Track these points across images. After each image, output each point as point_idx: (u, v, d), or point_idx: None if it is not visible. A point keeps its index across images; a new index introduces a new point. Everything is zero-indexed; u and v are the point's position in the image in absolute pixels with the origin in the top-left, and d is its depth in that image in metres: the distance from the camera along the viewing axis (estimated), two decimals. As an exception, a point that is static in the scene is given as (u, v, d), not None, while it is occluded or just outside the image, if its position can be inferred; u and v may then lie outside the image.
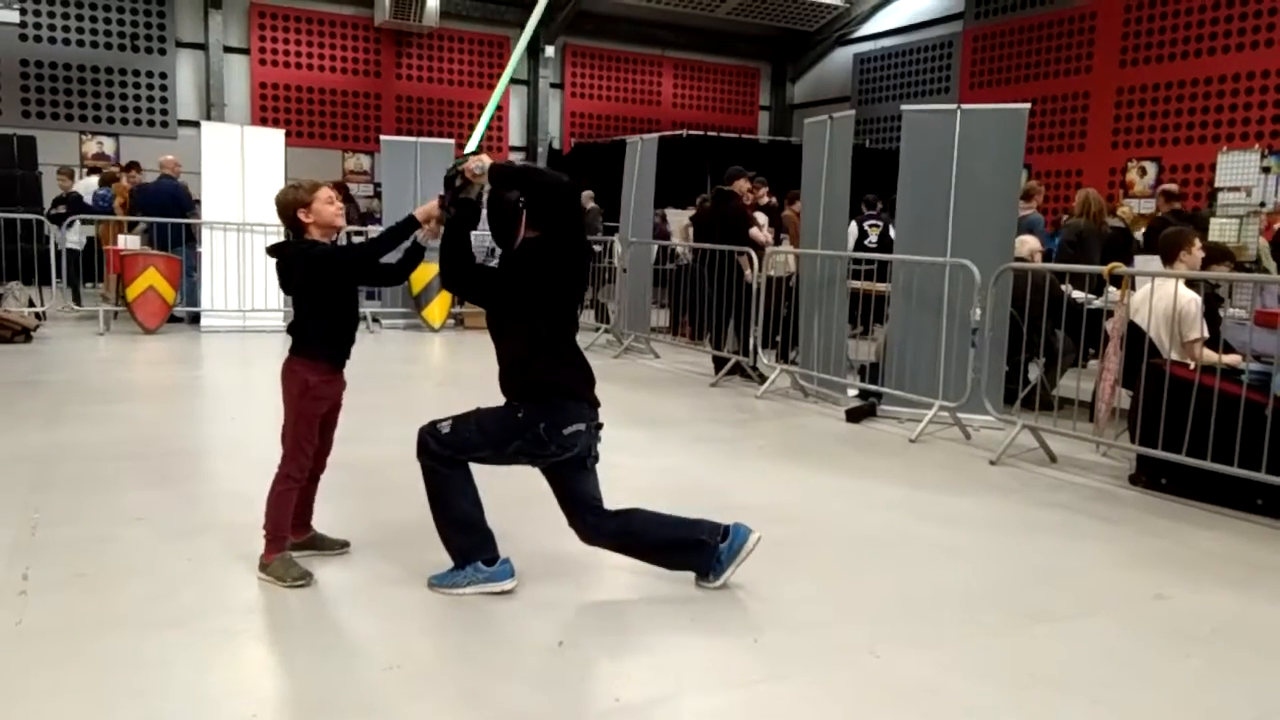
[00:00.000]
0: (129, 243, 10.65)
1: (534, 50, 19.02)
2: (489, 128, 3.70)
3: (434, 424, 3.36)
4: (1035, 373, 6.87)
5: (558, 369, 3.31)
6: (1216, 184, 10.12)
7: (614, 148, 12.36)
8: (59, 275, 10.41)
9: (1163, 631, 3.34)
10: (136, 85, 16.23)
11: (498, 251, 3.36)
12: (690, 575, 3.52)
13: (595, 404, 3.39)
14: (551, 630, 3.13)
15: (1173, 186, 8.62)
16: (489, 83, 18.78)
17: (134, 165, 12.67)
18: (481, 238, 3.35)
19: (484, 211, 3.32)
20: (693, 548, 3.46)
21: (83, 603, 3.21)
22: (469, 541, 3.38)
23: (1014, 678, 2.92)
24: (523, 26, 18.81)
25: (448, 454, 3.32)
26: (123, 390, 7.15)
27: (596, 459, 3.44)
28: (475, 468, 3.38)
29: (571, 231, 3.33)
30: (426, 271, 10.75)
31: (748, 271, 8.12)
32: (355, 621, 3.17)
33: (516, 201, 3.28)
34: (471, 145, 3.55)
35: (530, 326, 3.31)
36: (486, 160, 3.34)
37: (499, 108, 18.90)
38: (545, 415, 3.25)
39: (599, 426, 3.40)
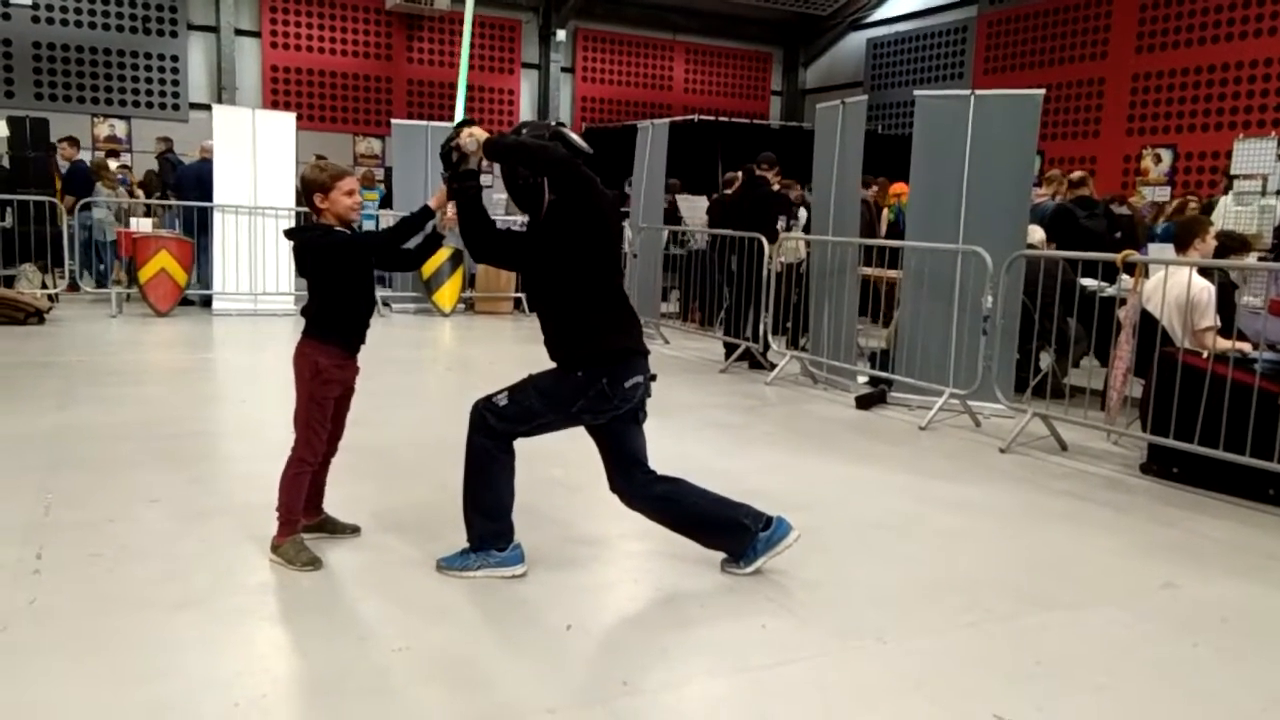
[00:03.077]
0: (141, 225, 10.68)
1: (545, 34, 18.95)
2: (471, 103, 3.68)
3: (489, 399, 3.34)
4: (1046, 360, 6.84)
5: (608, 325, 3.30)
6: (1232, 171, 10.03)
7: (625, 132, 12.32)
8: (72, 258, 10.47)
9: (1171, 621, 3.34)
10: (148, 68, 16.25)
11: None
12: (699, 563, 3.54)
13: (646, 353, 3.39)
14: (560, 614, 3.14)
15: (1076, 174, 8.43)
16: (501, 66, 18.74)
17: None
18: (499, 203, 3.36)
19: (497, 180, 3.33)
20: (733, 529, 3.46)
21: (96, 583, 3.24)
22: (492, 529, 3.38)
23: (1021, 665, 2.93)
24: (535, 11, 18.82)
25: (505, 429, 3.30)
26: (135, 372, 7.19)
27: (646, 415, 3.44)
28: None
29: (581, 198, 3.28)
30: (436, 256, 10.77)
31: (778, 259, 8.07)
32: (365, 603, 3.19)
33: (529, 177, 3.29)
34: (458, 115, 3.53)
35: (572, 287, 3.29)
36: (480, 134, 3.33)
37: (510, 91, 18.86)
38: (606, 370, 3.24)
39: (653, 378, 3.40)
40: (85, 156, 12.95)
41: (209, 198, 10.53)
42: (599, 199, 3.31)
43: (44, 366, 7.08)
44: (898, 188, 10.89)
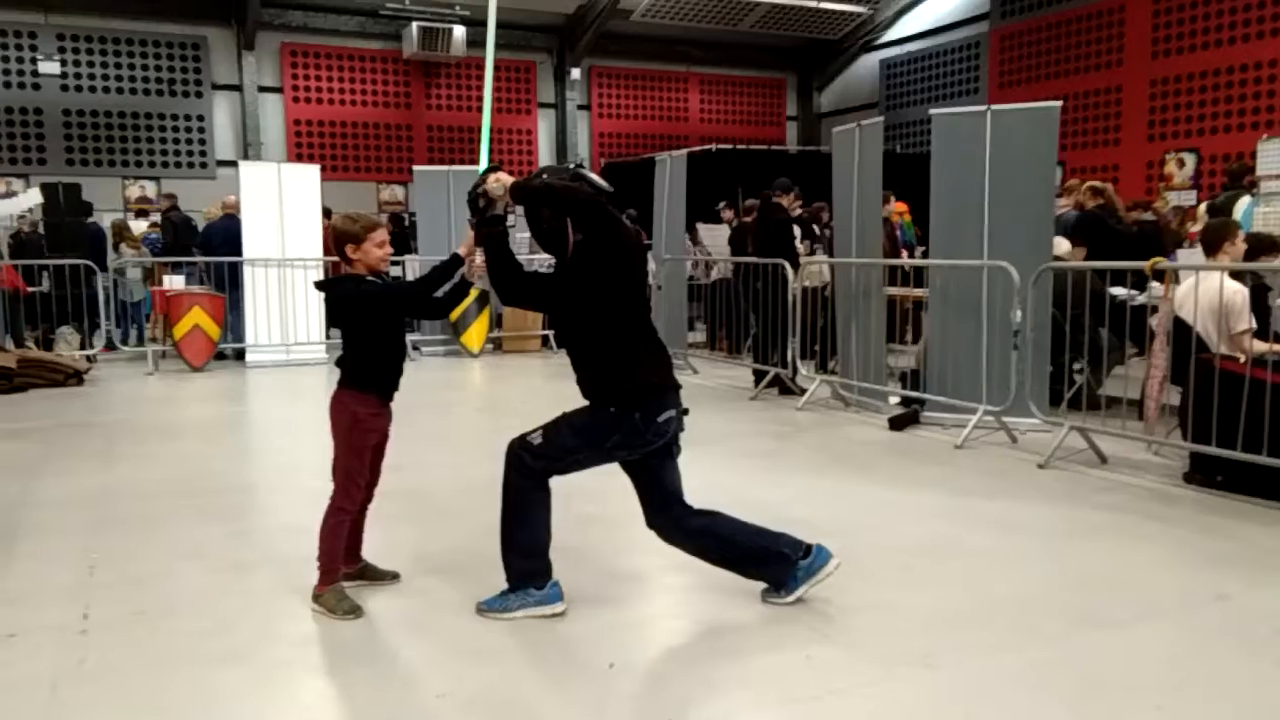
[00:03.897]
0: (174, 283, 10.88)
1: (560, 74, 19.17)
2: (494, 147, 3.74)
3: (523, 438, 3.36)
4: (1080, 373, 6.76)
5: (638, 361, 3.32)
6: (1258, 172, 9.90)
7: (644, 166, 12.41)
8: (109, 319, 10.68)
9: (1226, 634, 3.27)
10: (176, 128, 16.60)
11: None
12: (740, 595, 3.51)
13: (677, 387, 3.40)
14: (603, 652, 3.13)
15: (1097, 183, 8.35)
16: (518, 107, 18.96)
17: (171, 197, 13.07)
18: (522, 242, 3.41)
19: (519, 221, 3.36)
20: (773, 559, 3.44)
21: (143, 641, 3.27)
22: (529, 567, 3.39)
23: (1075, 686, 2.87)
24: (549, 52, 19.05)
25: (541, 466, 3.32)
26: (173, 428, 7.29)
27: (680, 449, 3.45)
28: None
29: (608, 236, 3.31)
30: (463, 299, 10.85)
31: (801, 283, 8.07)
32: (408, 650, 3.20)
33: (553, 219, 3.33)
34: (483, 161, 3.58)
35: (601, 325, 3.32)
36: (506, 179, 3.38)
37: (528, 131, 19.08)
38: (638, 406, 3.26)
39: (685, 412, 3.41)
40: (115, 216, 13.20)
41: (236, 252, 10.71)
42: (624, 237, 3.35)
43: (85, 426, 7.19)
44: (899, 206, 10.85)
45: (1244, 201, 8.55)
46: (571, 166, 3.49)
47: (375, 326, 3.51)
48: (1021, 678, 2.93)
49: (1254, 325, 5.27)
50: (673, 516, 3.43)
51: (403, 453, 4.15)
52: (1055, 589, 3.70)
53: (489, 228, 3.45)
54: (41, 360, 9.12)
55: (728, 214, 11.94)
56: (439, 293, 3.62)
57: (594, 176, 3.41)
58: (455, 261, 3.58)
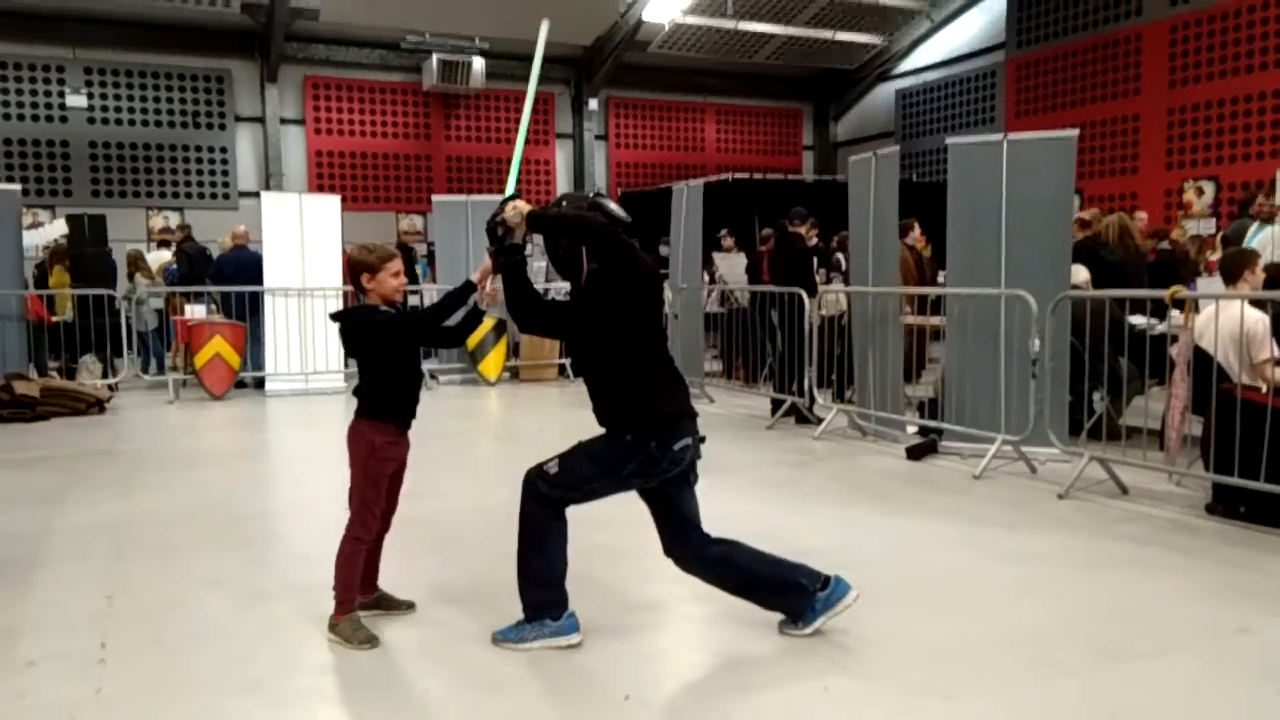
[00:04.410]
0: (195, 312, 10.99)
1: (578, 105, 19.35)
2: (520, 176, 3.75)
3: (540, 467, 3.37)
4: (1100, 402, 6.71)
5: (653, 389, 3.33)
6: (1278, 200, 9.84)
7: (660, 195, 12.48)
8: (130, 349, 10.80)
9: (1250, 667, 3.22)
10: (199, 160, 16.83)
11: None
12: (757, 626, 3.49)
13: (694, 415, 3.41)
14: (618, 683, 3.12)
15: (1085, 214, 8.26)
16: (537, 138, 19.12)
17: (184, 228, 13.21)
18: (539, 270, 3.43)
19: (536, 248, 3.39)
20: (791, 590, 3.43)
21: (160, 669, 3.28)
22: (545, 598, 3.39)
23: (1095, 720, 2.84)
24: (567, 83, 19.25)
25: (558, 495, 3.33)
26: (193, 457, 7.34)
27: (697, 477, 3.45)
28: None
29: (622, 265, 3.33)
30: (480, 327, 10.92)
31: (818, 313, 8.08)
32: (424, 680, 3.19)
33: (569, 246, 3.36)
34: (509, 190, 3.62)
35: (616, 353, 3.33)
36: (524, 207, 3.42)
37: (546, 161, 19.25)
38: (654, 434, 3.27)
39: (702, 439, 3.41)
40: (131, 248, 13.33)
41: (250, 282, 10.82)
42: (639, 265, 3.37)
43: (106, 455, 7.25)
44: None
45: (1251, 230, 8.51)
46: (590, 195, 3.52)
47: (390, 355, 3.54)
48: (1041, 711, 2.90)
49: (1276, 354, 5.23)
50: (690, 544, 3.42)
51: (419, 481, 4.16)
52: (1076, 621, 3.66)
53: (507, 256, 3.48)
54: (64, 389, 9.22)
55: (728, 242, 11.97)
56: (452, 321, 3.65)
57: (611, 205, 3.44)
58: (467, 288, 3.61)
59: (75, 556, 4.59)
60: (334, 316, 3.67)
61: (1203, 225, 13.43)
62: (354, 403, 3.59)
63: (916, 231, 9.86)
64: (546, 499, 3.33)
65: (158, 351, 12.38)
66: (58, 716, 2.92)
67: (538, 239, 3.79)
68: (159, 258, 13.26)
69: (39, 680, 3.19)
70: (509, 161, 4.57)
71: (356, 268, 3.54)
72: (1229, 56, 13.80)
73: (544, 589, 3.38)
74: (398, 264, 3.57)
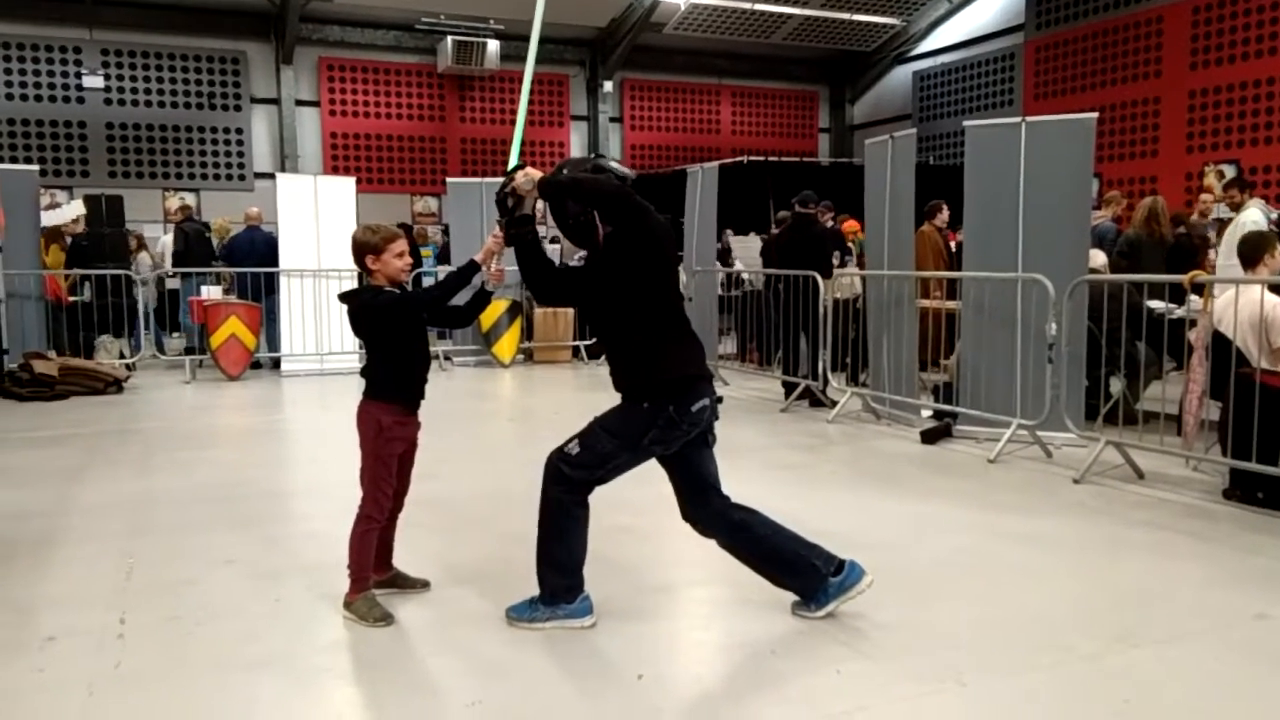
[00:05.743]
0: (210, 293, 11.04)
1: (593, 87, 19.28)
2: (527, 153, 3.72)
3: (560, 450, 3.36)
4: (1117, 386, 6.67)
5: (671, 352, 3.31)
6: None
7: (675, 177, 12.44)
8: (146, 328, 10.88)
9: (1266, 653, 3.20)
10: (215, 141, 16.87)
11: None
12: (770, 608, 3.49)
13: (710, 376, 3.40)
14: (631, 663, 3.13)
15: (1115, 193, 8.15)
16: (552, 119, 19.08)
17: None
18: (554, 251, 3.41)
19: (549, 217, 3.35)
20: (804, 569, 3.42)
21: (177, 646, 3.31)
22: (563, 583, 3.39)
23: (1110, 705, 2.82)
24: (582, 65, 19.17)
25: (581, 476, 3.31)
26: (209, 436, 7.39)
27: (715, 439, 3.44)
28: None
29: (637, 224, 3.31)
30: (494, 308, 10.94)
31: (832, 295, 8.04)
32: (438, 658, 3.21)
33: (581, 213, 3.33)
34: (512, 161, 3.59)
35: (634, 315, 3.32)
36: (534, 173, 3.39)
37: (561, 143, 19.19)
38: (671, 398, 3.26)
39: (719, 400, 3.39)
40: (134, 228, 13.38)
41: (262, 263, 10.85)
42: (654, 225, 3.34)
43: (123, 434, 7.31)
44: (851, 224, 10.72)
45: (1248, 212, 8.36)
46: (592, 158, 3.49)
47: (395, 336, 3.54)
48: (1055, 696, 2.89)
49: (1296, 339, 5.18)
50: (711, 507, 3.41)
51: (433, 461, 4.18)
52: (1091, 606, 3.64)
53: (519, 228, 3.47)
54: (82, 368, 9.28)
55: (729, 242, 12.12)
56: (458, 300, 3.64)
57: (615, 164, 3.41)
58: (471, 267, 3.59)
59: (94, 534, 4.63)
60: (342, 298, 3.67)
61: (1222, 209, 13.28)
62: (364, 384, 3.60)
63: (945, 214, 9.77)
64: (570, 481, 3.32)
65: (157, 333, 12.39)
66: (77, 691, 2.95)
67: (547, 212, 3.76)
68: (169, 242, 13.29)
69: (59, 655, 3.23)
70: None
71: (361, 249, 3.53)
72: (1251, 39, 13.62)
73: (562, 575, 3.38)
74: (402, 244, 3.57)
